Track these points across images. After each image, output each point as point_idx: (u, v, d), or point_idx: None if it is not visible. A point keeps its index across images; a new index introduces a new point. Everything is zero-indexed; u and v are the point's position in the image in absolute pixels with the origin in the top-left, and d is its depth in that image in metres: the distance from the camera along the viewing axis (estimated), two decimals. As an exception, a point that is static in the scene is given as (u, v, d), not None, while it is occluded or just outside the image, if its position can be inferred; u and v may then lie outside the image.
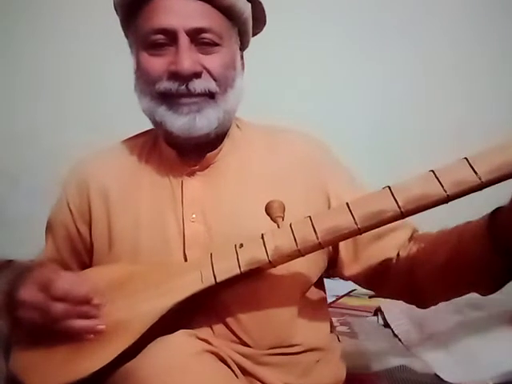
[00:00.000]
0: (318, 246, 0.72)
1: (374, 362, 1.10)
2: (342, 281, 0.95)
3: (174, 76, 0.80)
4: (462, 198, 0.67)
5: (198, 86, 0.80)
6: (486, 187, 0.65)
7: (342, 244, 0.87)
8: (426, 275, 0.81)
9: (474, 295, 0.81)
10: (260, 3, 0.90)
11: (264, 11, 0.91)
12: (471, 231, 0.74)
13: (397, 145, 1.74)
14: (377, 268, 0.86)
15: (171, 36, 0.80)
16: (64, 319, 0.72)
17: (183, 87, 0.80)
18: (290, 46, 1.74)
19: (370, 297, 1.58)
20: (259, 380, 0.78)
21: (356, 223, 0.70)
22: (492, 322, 1.18)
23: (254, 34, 0.93)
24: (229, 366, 0.73)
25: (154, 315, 0.73)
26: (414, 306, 0.89)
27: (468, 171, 0.65)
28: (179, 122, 0.81)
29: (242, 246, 0.75)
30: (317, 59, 1.80)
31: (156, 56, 0.81)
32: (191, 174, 0.87)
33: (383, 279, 0.86)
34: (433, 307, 0.88)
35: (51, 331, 0.74)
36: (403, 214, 0.68)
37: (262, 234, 0.75)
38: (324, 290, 0.94)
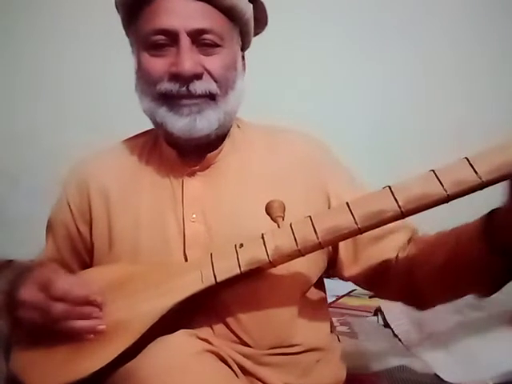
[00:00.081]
0: (319, 246, 0.72)
1: (374, 362, 1.10)
2: (341, 281, 0.95)
3: (175, 77, 0.80)
4: (462, 198, 0.67)
5: (198, 87, 0.80)
6: (486, 187, 0.65)
7: (341, 245, 0.87)
8: (424, 277, 0.81)
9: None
10: (262, 4, 0.90)
11: (265, 12, 0.91)
12: (468, 232, 0.73)
13: (397, 145, 1.74)
14: (376, 269, 0.86)
15: (172, 37, 0.80)
16: (64, 319, 0.72)
17: (184, 88, 0.80)
18: (290, 46, 1.74)
19: (370, 297, 1.58)
20: (260, 380, 0.78)
21: (356, 223, 0.69)
22: (492, 322, 1.18)
23: (256, 34, 0.93)
24: (229, 366, 0.73)
25: (154, 315, 0.73)
26: (413, 307, 0.89)
27: (468, 171, 0.65)
28: (180, 123, 0.81)
29: (242, 245, 0.75)
30: (317, 59, 1.80)
31: (157, 57, 0.81)
32: (192, 174, 0.87)
33: (382, 280, 0.86)
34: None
35: (51, 331, 0.74)
36: (403, 214, 0.68)
37: (262, 234, 0.75)
38: (324, 290, 0.94)
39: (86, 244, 0.91)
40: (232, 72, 0.84)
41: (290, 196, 0.81)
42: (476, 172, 0.64)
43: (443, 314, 1.21)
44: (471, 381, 1.02)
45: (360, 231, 0.70)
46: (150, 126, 0.89)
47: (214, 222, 0.84)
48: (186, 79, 0.80)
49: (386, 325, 1.37)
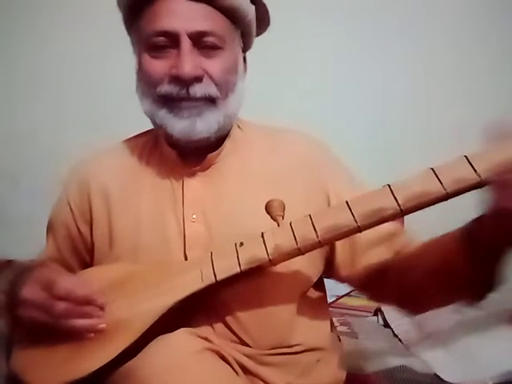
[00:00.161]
0: (318, 244, 0.73)
1: (374, 362, 1.10)
2: (341, 281, 0.95)
3: (175, 80, 0.80)
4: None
5: (198, 90, 0.80)
6: (485, 185, 0.65)
7: (338, 247, 0.87)
8: (412, 283, 0.81)
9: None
10: (264, 5, 0.89)
11: (268, 12, 0.91)
12: (452, 240, 0.74)
13: (397, 145, 1.74)
14: (372, 273, 0.86)
15: (173, 39, 0.79)
16: (65, 318, 0.72)
17: (184, 91, 0.80)
18: (290, 46, 1.74)
19: (370, 297, 1.58)
20: (260, 379, 0.78)
21: (356, 221, 0.70)
22: (492, 322, 1.18)
23: (257, 35, 0.93)
24: (230, 365, 0.73)
25: (155, 314, 0.73)
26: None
27: (467, 169, 0.65)
28: (179, 126, 0.81)
29: (242, 244, 0.75)
30: (317, 59, 1.80)
31: (158, 58, 0.81)
32: (192, 174, 0.87)
33: (377, 284, 0.87)
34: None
35: (52, 330, 0.74)
36: (403, 212, 0.68)
37: (262, 233, 0.75)
38: (324, 290, 0.94)
39: (87, 244, 0.92)
40: (233, 75, 0.84)
41: (290, 196, 0.81)
42: (475, 170, 0.64)
43: (443, 314, 1.21)
44: (471, 380, 1.02)
45: (360, 229, 0.71)
46: (149, 125, 0.89)
47: (215, 222, 0.84)
48: (186, 82, 0.79)
49: (386, 325, 1.37)
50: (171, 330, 0.71)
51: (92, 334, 0.73)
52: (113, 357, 0.70)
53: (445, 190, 0.66)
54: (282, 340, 0.82)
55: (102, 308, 0.74)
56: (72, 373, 0.70)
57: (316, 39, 1.78)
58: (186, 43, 0.79)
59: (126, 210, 0.87)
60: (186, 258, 0.82)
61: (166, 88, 0.81)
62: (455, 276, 0.74)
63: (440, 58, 1.77)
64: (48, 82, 1.85)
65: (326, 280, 0.94)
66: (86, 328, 0.73)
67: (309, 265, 0.85)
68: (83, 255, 0.93)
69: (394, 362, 1.11)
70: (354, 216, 0.70)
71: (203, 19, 0.80)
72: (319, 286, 0.92)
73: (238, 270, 0.74)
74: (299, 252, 0.73)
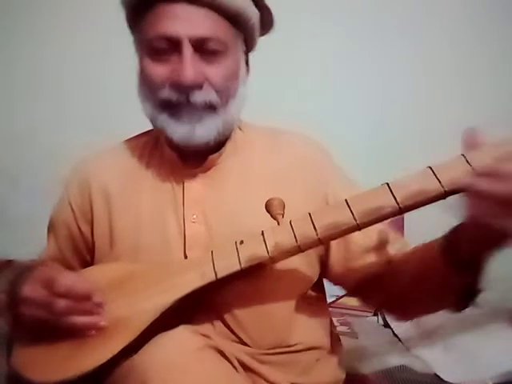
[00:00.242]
0: (318, 242, 0.73)
1: (373, 362, 1.11)
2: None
3: (176, 86, 0.80)
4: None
5: (198, 97, 0.80)
6: None
7: (333, 251, 0.88)
8: (400, 288, 0.82)
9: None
10: (268, 9, 0.88)
11: (272, 16, 0.90)
12: (434, 248, 0.75)
13: (397, 145, 1.74)
14: (363, 278, 0.87)
15: (175, 43, 0.79)
16: (66, 315, 0.72)
17: (184, 98, 0.80)
18: (290, 46, 1.74)
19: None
20: (261, 377, 0.78)
21: (355, 219, 0.70)
22: (491, 322, 1.18)
23: (261, 35, 0.92)
24: (230, 362, 0.73)
25: (155, 312, 0.74)
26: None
27: (465, 168, 0.65)
28: (179, 131, 0.81)
29: (242, 242, 0.76)
30: (317, 59, 1.80)
31: (159, 62, 0.81)
32: (193, 175, 0.87)
33: (368, 289, 0.88)
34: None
35: (53, 328, 0.74)
36: (401, 210, 0.69)
37: (262, 231, 0.75)
38: (323, 290, 0.94)
39: (88, 243, 0.92)
40: (234, 80, 0.84)
41: (290, 196, 0.81)
42: (473, 169, 0.64)
43: (443, 314, 1.21)
44: (471, 380, 1.02)
45: (359, 227, 0.71)
46: (149, 125, 0.89)
47: (215, 223, 0.84)
48: (186, 89, 0.79)
49: (386, 325, 1.37)
50: (171, 329, 0.71)
51: (93, 332, 0.73)
52: (113, 354, 0.70)
53: (443, 188, 0.66)
54: (281, 340, 0.83)
55: (102, 306, 0.75)
56: (72, 370, 0.71)
57: (316, 39, 1.78)
58: (187, 49, 0.79)
59: (127, 210, 0.87)
60: (186, 258, 0.83)
61: (166, 93, 0.81)
62: (437, 283, 0.75)
63: (440, 58, 1.77)
64: (48, 82, 1.85)
65: (325, 280, 0.94)
66: (87, 325, 0.73)
67: (307, 265, 0.86)
68: (84, 255, 0.94)
69: (394, 361, 1.11)
70: (353, 214, 0.70)
71: (206, 24, 0.80)
72: (318, 285, 0.92)
73: (238, 267, 0.74)
74: (299, 250, 0.74)
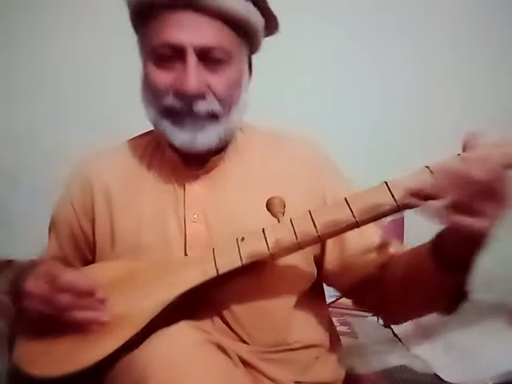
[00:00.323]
0: (318, 239, 0.75)
1: (373, 362, 1.10)
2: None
3: (180, 94, 0.80)
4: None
5: (201, 107, 0.81)
6: None
7: (328, 252, 0.89)
8: (390, 291, 0.84)
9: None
10: (274, 17, 0.88)
11: (277, 22, 0.89)
12: (423, 250, 0.76)
13: (397, 145, 1.74)
14: (358, 281, 0.88)
15: (179, 51, 0.79)
16: (69, 310, 0.73)
17: (187, 107, 0.80)
18: (290, 46, 1.74)
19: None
20: (261, 373, 0.79)
21: (354, 216, 0.72)
22: (491, 322, 1.18)
23: (265, 36, 0.92)
24: (230, 358, 0.74)
25: (156, 308, 0.74)
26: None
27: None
28: (181, 137, 0.82)
29: (243, 239, 0.77)
30: (317, 59, 1.80)
31: (163, 69, 0.81)
32: (194, 177, 0.88)
33: (363, 292, 0.89)
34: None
35: (55, 323, 0.75)
36: (399, 208, 0.70)
37: (263, 229, 0.77)
38: (322, 288, 0.95)
39: (89, 242, 0.93)
40: (237, 89, 0.84)
41: (290, 197, 0.82)
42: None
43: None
44: (471, 381, 1.02)
45: (357, 224, 0.73)
46: (149, 126, 0.89)
47: (215, 222, 0.85)
48: (190, 98, 0.80)
49: (386, 325, 1.37)
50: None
51: (94, 327, 0.74)
52: (114, 350, 0.71)
53: None
54: (280, 338, 0.83)
55: (104, 301, 0.75)
56: (73, 365, 0.71)
57: (316, 39, 1.78)
58: (191, 58, 0.79)
59: (128, 210, 0.88)
60: (186, 257, 0.83)
61: (170, 101, 0.81)
62: (429, 286, 0.76)
63: (440, 58, 1.77)
64: (48, 82, 1.85)
65: (323, 280, 0.95)
66: (89, 320, 0.74)
67: (305, 264, 0.87)
68: (85, 254, 0.94)
69: (394, 361, 1.11)
70: (352, 212, 0.72)
71: (210, 33, 0.80)
72: (317, 284, 0.92)
73: (239, 263, 0.75)
74: (299, 246, 0.75)
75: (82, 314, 0.74)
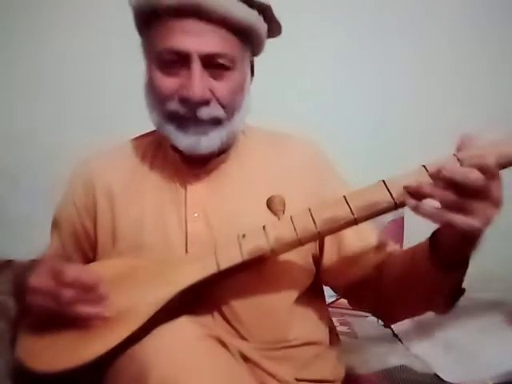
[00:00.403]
0: (317, 236, 0.77)
1: (373, 362, 1.10)
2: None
3: (184, 100, 0.81)
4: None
5: (205, 113, 0.82)
6: None
7: (326, 251, 0.90)
8: (386, 290, 0.84)
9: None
10: (278, 23, 0.89)
11: (280, 27, 0.91)
12: (420, 249, 0.77)
13: (397, 145, 1.74)
14: (355, 280, 0.89)
15: (184, 57, 0.80)
16: (72, 305, 0.74)
17: (191, 113, 0.82)
18: (290, 46, 1.74)
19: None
20: (261, 368, 0.80)
21: (353, 213, 0.74)
22: (492, 322, 1.18)
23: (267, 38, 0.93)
24: (231, 353, 0.74)
25: (157, 304, 0.75)
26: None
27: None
28: (185, 141, 0.83)
29: (244, 236, 0.78)
30: (317, 59, 1.80)
31: (168, 75, 0.82)
32: (195, 177, 0.89)
33: (360, 291, 0.90)
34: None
35: (58, 317, 0.75)
36: (397, 205, 0.72)
37: (264, 225, 0.78)
38: (321, 287, 0.96)
39: (91, 241, 0.93)
40: (240, 95, 0.86)
41: (290, 197, 0.84)
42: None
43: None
44: (471, 381, 1.02)
45: (356, 221, 0.74)
46: (150, 126, 0.90)
47: (216, 221, 0.86)
48: (194, 104, 0.81)
49: (386, 325, 1.37)
50: None
51: (97, 322, 0.74)
52: (115, 345, 0.71)
53: None
54: (280, 335, 0.84)
55: (107, 297, 0.76)
56: (74, 360, 0.72)
57: (316, 39, 1.78)
58: (196, 65, 0.80)
59: (130, 209, 0.89)
60: (187, 256, 0.84)
61: (174, 107, 0.82)
62: (426, 284, 0.77)
63: (440, 58, 1.77)
64: (48, 82, 1.85)
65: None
66: (92, 315, 0.75)
67: (305, 262, 0.88)
68: (87, 252, 0.95)
69: (394, 361, 1.11)
70: (351, 209, 0.74)
71: (215, 41, 0.81)
72: (317, 284, 0.93)
73: (240, 259, 0.76)
74: (299, 243, 0.77)
75: (85, 309, 0.74)
